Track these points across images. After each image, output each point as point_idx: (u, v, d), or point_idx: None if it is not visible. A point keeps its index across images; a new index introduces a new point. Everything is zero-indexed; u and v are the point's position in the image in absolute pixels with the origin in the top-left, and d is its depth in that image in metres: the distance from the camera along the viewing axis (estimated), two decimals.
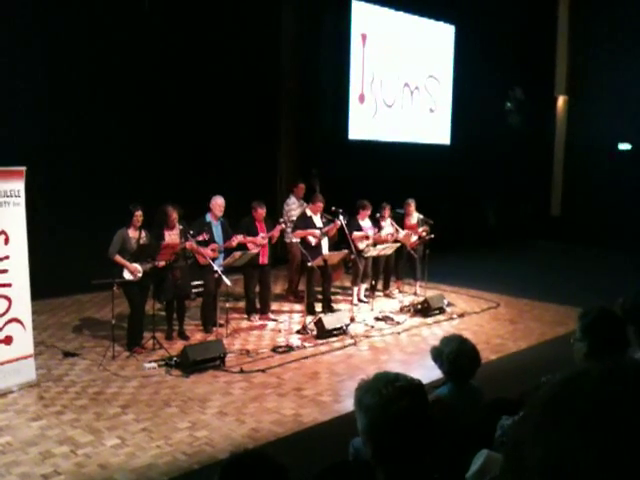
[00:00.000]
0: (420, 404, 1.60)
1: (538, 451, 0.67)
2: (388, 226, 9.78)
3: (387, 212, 9.86)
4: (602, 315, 2.75)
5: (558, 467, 0.65)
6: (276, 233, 8.52)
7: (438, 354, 3.49)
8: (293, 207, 9.86)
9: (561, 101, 18.49)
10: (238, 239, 7.99)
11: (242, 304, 9.24)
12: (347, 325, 8.09)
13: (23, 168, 5.96)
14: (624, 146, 17.08)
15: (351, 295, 9.60)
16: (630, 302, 3.09)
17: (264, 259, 8.51)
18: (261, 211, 8.42)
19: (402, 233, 9.77)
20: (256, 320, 8.56)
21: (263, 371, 6.60)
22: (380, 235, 9.58)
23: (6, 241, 5.83)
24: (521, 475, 0.69)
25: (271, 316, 8.70)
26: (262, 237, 8.37)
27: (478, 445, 2.49)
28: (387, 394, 1.56)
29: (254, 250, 8.25)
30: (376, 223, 9.68)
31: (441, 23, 15.56)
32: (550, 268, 13.20)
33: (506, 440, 0.75)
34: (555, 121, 18.59)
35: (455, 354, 3.39)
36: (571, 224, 17.10)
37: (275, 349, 7.33)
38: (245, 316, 8.70)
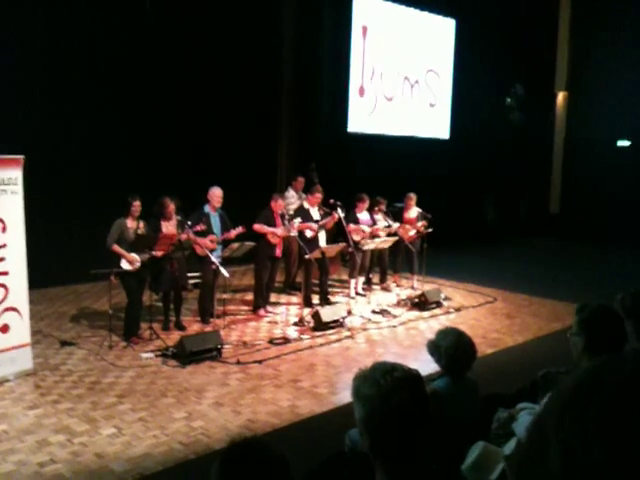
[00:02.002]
0: (420, 396, 1.60)
1: (561, 435, 0.67)
2: (381, 220, 9.74)
3: (376, 206, 9.73)
4: (599, 310, 2.75)
5: (576, 455, 0.65)
6: (294, 228, 8.48)
7: (435, 347, 3.48)
8: (291, 200, 9.84)
9: (561, 97, 18.47)
10: (261, 228, 8.13)
11: (239, 296, 9.26)
12: (344, 318, 8.09)
13: (21, 156, 5.95)
14: (623, 143, 17.08)
15: (348, 288, 9.61)
16: (630, 299, 3.08)
17: (280, 252, 8.56)
18: (282, 202, 8.56)
19: (394, 226, 9.70)
20: (263, 314, 8.49)
21: (260, 362, 6.60)
22: (378, 228, 9.56)
23: (3, 229, 5.82)
24: (542, 454, 0.68)
25: (269, 309, 8.69)
26: (282, 229, 8.37)
27: (474, 437, 2.50)
28: (385, 385, 1.56)
29: (273, 240, 8.26)
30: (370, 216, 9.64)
31: (442, 17, 15.51)
32: (548, 264, 13.21)
33: (534, 417, 0.74)
34: (555, 117, 18.58)
35: (453, 348, 3.38)
36: (569, 221, 17.11)
37: (272, 341, 7.33)
38: (242, 308, 8.68)
